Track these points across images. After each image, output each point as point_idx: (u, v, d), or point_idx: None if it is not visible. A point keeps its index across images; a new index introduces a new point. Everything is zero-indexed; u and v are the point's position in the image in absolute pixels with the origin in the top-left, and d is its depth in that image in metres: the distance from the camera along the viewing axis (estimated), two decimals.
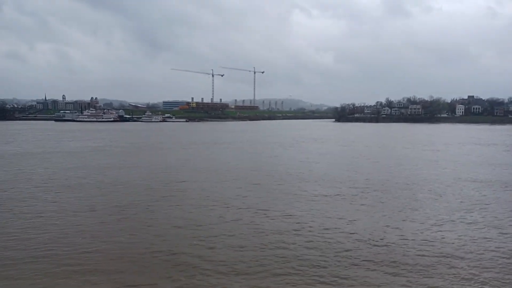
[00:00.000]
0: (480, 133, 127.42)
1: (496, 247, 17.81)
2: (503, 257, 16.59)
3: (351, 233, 19.85)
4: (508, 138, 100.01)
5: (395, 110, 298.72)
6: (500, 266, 15.68)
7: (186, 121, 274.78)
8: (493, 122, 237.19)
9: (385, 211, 24.43)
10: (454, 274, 14.90)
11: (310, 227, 20.98)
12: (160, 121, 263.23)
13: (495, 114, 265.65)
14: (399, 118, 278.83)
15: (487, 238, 19.11)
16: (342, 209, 24.78)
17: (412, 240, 18.82)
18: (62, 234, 19.42)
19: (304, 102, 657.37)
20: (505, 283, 14.06)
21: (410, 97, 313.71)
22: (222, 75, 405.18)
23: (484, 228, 20.65)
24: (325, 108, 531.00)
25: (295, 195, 29.03)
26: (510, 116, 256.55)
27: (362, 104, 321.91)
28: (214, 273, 14.97)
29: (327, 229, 20.61)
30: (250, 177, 36.85)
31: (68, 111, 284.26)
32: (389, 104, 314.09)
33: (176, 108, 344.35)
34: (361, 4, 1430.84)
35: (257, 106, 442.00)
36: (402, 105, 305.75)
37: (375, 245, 18.16)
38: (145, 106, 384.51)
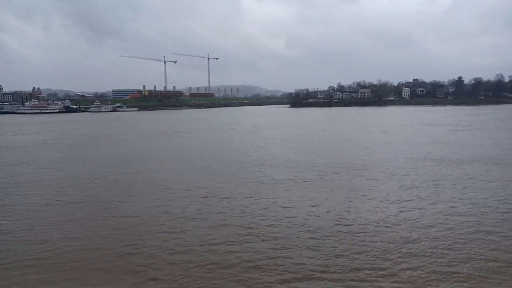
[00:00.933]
0: (425, 114, 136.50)
1: (445, 219, 19.51)
2: (452, 228, 18.24)
3: (314, 214, 20.64)
4: (450, 118, 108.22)
5: (346, 95, 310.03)
6: (450, 238, 17.24)
7: (139, 110, 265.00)
8: (435, 103, 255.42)
9: (344, 191, 25.61)
10: (408, 248, 16.15)
11: (275, 211, 21.51)
12: (110, 111, 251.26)
13: (437, 96, 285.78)
14: (350, 102, 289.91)
15: (438, 212, 20.80)
16: (304, 192, 25.61)
17: (370, 217, 20.01)
18: (12, 235, 18.23)
19: (260, 88, 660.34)
20: (451, 250, 15.51)
21: (360, 81, 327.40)
22: (174, 62, 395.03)
23: (435, 203, 22.38)
24: (280, 94, 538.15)
25: (258, 181, 29.45)
26: (449, 97, 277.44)
27: (316, 89, 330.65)
28: (181, 264, 14.92)
29: (291, 211, 21.27)
30: (212, 165, 36.71)
31: (7, 103, 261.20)
32: (341, 88, 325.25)
33: (127, 97, 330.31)
34: None
35: (212, 93, 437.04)
36: (353, 90, 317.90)
37: (337, 224, 19.11)
38: (93, 96, 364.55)
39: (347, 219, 19.91)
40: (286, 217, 20.30)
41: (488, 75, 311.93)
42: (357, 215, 20.54)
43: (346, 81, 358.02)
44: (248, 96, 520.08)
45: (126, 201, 24.31)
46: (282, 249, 16.16)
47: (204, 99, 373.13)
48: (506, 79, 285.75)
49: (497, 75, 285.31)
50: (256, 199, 23.97)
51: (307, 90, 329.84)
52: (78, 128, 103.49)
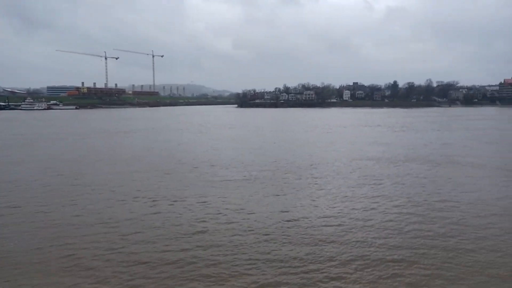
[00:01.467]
0: (365, 116, 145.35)
1: (384, 212, 21.30)
2: (391, 220, 20.01)
3: (263, 214, 21.30)
4: (388, 120, 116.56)
5: (292, 96, 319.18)
6: (389, 227, 18.93)
7: (77, 109, 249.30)
8: (373, 105, 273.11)
9: (293, 190, 26.69)
10: (350, 240, 17.47)
11: (226, 209, 21.85)
12: (45, 109, 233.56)
13: (375, 98, 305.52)
14: (295, 103, 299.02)
15: (379, 208, 22.59)
16: (254, 192, 26.24)
17: (316, 214, 21.18)
18: None
19: (207, 88, 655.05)
20: (391, 247, 17.08)
21: (305, 83, 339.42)
22: (116, 58, 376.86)
23: (377, 201, 24.18)
24: (228, 94, 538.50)
25: (208, 181, 29.54)
26: (386, 100, 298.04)
27: (263, 90, 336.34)
28: (129, 272, 14.58)
29: (242, 211, 21.71)
30: (160, 166, 35.96)
31: None
32: (287, 90, 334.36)
33: (64, 94, 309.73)
34: None
35: (157, 92, 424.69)
36: (298, 91, 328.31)
37: (287, 220, 19.97)
38: (25, 92, 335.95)
39: (295, 215, 20.85)
40: (236, 218, 20.70)
41: (420, 80, 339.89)
42: (306, 211, 21.59)
43: (292, 83, 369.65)
44: (195, 95, 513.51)
45: (66, 205, 23.05)
46: (233, 247, 16.54)
47: (148, 98, 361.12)
48: (435, 84, 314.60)
49: (427, 80, 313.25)
50: (205, 200, 24.04)
51: (254, 90, 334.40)
52: (8, 127, 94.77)
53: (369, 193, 25.78)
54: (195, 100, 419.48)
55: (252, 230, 18.59)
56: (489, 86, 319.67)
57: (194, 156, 42.05)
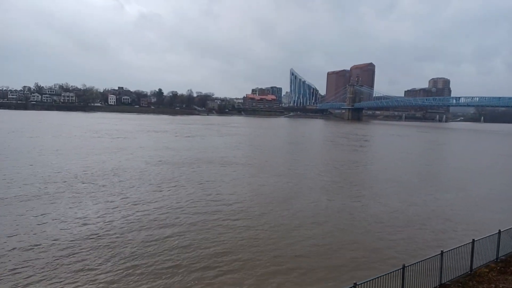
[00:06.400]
0: (146, 121, 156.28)
1: (186, 208, 33.96)
2: (198, 213, 32.86)
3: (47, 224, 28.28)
4: (171, 126, 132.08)
5: (46, 97, 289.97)
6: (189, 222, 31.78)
7: None
8: (140, 111, 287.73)
9: (86, 199, 29.63)
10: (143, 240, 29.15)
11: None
12: None
13: (141, 104, 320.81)
14: (51, 105, 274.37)
15: (183, 205, 34.71)
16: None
17: (119, 217, 31.29)
18: None
19: None
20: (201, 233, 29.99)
21: (63, 84, 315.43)
22: None
23: (161, 204, 31.78)
24: None
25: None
26: (152, 107, 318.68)
27: (5, 89, 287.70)
28: None
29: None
30: None
31: None
32: (40, 90, 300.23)
33: None
34: None
35: None
36: (55, 92, 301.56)
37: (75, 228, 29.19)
38: None
39: (94, 223, 23.62)
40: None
41: (182, 90, 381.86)
42: (115, 217, 27.35)
43: (46, 83, 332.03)
44: None
45: None
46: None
47: None
48: (195, 94, 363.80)
49: (188, 90, 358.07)
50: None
51: None
52: None
53: (173, 193, 37.75)
54: None
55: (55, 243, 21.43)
56: (237, 98, 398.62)
57: None
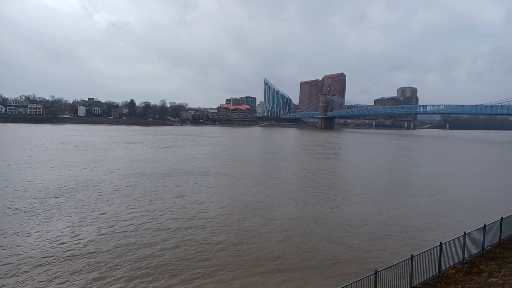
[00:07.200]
0: (120, 133, 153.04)
1: (146, 217, 33.99)
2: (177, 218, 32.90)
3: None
4: (143, 137, 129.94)
5: (11, 109, 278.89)
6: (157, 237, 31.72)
7: None
8: (111, 122, 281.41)
9: (67, 211, 30.27)
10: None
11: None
12: None
13: (112, 116, 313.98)
14: (17, 118, 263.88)
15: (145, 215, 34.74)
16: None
17: (93, 231, 30.96)
18: None
19: None
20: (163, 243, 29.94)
21: (30, 95, 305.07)
22: None
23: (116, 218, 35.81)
24: None
25: None
26: (124, 118, 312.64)
27: None
28: None
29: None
30: None
31: None
32: (4, 102, 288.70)
33: None
34: None
35: None
36: (21, 104, 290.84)
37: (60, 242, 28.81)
38: None
39: (67, 240, 22.97)
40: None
41: (155, 100, 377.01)
42: (91, 230, 30.59)
43: (10, 94, 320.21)
44: None
45: None
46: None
47: None
48: (168, 105, 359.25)
49: (161, 100, 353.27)
50: None
51: None
52: None
53: (147, 203, 37.60)
54: None
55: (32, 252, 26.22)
56: (211, 108, 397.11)
57: None
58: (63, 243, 21.46)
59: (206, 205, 31.05)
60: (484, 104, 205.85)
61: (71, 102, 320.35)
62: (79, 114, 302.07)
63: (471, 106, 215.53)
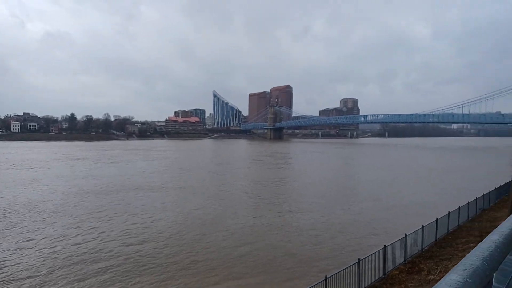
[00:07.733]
0: (61, 149, 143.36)
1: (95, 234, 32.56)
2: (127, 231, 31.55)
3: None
4: (87, 153, 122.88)
5: None
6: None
7: None
8: (49, 138, 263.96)
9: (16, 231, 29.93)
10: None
11: None
12: None
13: (51, 131, 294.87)
14: None
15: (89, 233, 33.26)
16: None
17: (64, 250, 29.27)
18: None
19: None
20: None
21: None
22: None
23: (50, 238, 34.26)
24: None
25: None
26: (64, 133, 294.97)
27: None
28: None
29: None
30: None
31: None
32: None
33: None
34: None
35: None
36: None
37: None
38: None
39: (7, 265, 23.56)
40: None
41: (98, 113, 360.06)
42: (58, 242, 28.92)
43: None
44: None
45: None
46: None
47: None
48: (113, 118, 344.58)
49: (105, 114, 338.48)
50: None
51: None
52: None
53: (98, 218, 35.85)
54: None
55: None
56: (158, 121, 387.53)
57: None
58: (3, 269, 19.87)
59: (157, 221, 30.35)
60: (418, 113, 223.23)
61: (2, 118, 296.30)
62: (12, 130, 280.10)
63: (407, 115, 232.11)
